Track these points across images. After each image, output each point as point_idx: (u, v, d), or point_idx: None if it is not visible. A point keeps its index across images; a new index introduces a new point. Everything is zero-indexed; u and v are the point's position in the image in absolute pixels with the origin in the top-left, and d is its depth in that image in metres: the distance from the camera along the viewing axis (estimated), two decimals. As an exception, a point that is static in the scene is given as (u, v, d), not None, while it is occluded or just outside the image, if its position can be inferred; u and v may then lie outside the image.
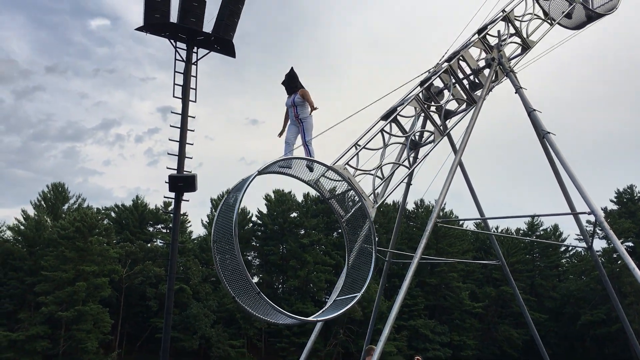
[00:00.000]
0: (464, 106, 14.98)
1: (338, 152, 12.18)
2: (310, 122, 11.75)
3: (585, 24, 18.54)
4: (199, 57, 19.23)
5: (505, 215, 63.74)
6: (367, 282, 11.08)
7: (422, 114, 14.21)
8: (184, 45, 19.42)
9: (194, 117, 18.64)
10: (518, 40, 16.49)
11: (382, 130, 12.99)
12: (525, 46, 16.48)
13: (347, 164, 12.02)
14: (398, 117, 13.46)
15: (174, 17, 18.57)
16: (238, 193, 10.12)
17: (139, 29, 17.97)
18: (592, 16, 18.36)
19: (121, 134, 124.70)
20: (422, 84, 14.89)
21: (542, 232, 67.68)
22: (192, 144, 18.30)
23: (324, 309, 11.59)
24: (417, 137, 14.55)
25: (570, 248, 65.95)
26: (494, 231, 52.61)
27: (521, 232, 67.27)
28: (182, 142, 17.94)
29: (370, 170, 12.37)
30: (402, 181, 13.79)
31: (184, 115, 18.06)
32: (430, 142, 14.14)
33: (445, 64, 15.02)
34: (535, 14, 17.02)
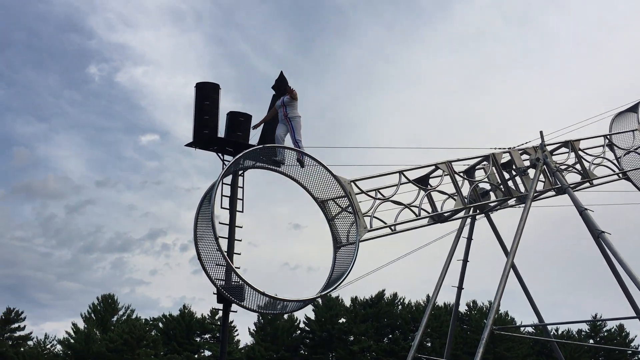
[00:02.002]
0: (512, 201, 14.89)
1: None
2: (298, 121, 12.46)
3: None
4: (245, 169, 19.69)
5: (566, 321, 59.66)
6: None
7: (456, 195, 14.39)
8: (231, 158, 19.97)
9: (241, 227, 18.86)
10: (579, 168, 16.32)
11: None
12: (586, 178, 16.24)
13: (352, 182, 12.60)
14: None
15: (221, 132, 19.31)
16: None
17: (188, 144, 18.70)
18: None
19: (167, 243, 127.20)
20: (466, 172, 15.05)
21: (606, 334, 63.65)
22: (239, 254, 18.38)
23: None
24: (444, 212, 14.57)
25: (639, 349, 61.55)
26: (553, 333, 49.81)
27: (583, 333, 63.40)
28: (230, 252, 18.04)
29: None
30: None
31: (232, 225, 18.24)
32: (452, 215, 14.27)
33: (492, 153, 15.15)
34: (604, 157, 16.82)
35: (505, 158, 15.49)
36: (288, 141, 13.35)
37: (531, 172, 15.32)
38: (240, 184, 19.93)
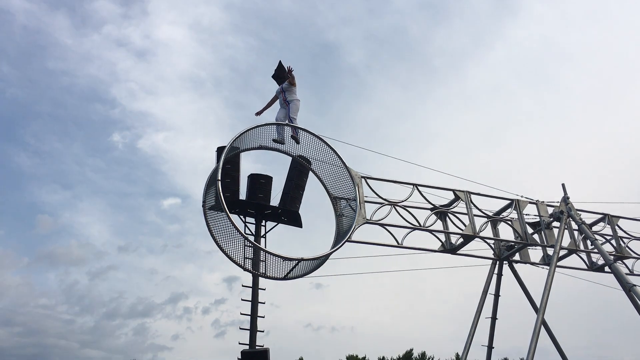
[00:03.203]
0: (539, 259, 14.61)
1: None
2: (296, 104, 13.09)
3: None
4: (267, 230, 19.74)
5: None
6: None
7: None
8: (252, 220, 20.08)
9: (264, 289, 18.74)
10: (614, 243, 16.10)
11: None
12: (619, 254, 16.02)
13: (363, 177, 13.06)
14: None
15: (242, 194, 19.46)
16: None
17: (211, 208, 18.89)
18: None
19: (189, 306, 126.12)
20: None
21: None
22: (263, 317, 18.17)
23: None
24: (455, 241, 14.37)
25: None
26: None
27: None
28: (254, 315, 17.85)
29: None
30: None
31: (255, 288, 18.15)
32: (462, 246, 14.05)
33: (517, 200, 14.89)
34: None
35: (530, 209, 15.27)
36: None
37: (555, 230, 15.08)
38: (262, 246, 19.95)
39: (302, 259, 11.71)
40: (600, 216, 16.06)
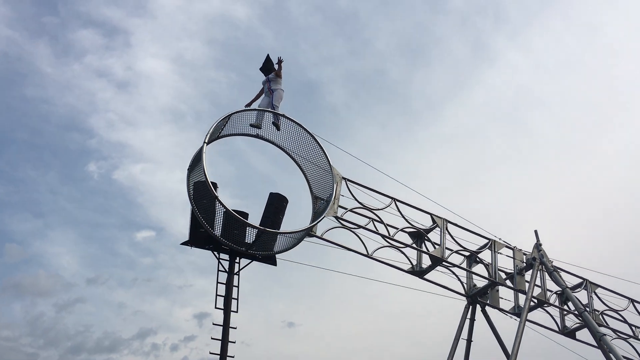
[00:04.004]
0: (509, 308, 14.56)
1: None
2: (280, 93, 13.60)
3: None
4: (241, 267, 19.53)
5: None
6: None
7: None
8: (227, 256, 19.83)
9: (235, 328, 18.39)
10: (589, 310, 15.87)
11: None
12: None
13: (345, 178, 13.32)
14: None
15: (218, 230, 19.24)
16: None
17: (184, 243, 18.58)
18: None
19: (157, 343, 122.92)
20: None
21: None
22: (232, 357, 17.82)
23: None
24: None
25: None
26: None
27: None
28: (223, 354, 17.46)
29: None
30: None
31: (226, 326, 17.78)
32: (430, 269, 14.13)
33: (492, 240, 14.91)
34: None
35: (506, 252, 15.23)
36: None
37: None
38: (235, 283, 19.68)
39: (265, 230, 11.95)
40: (579, 280, 15.93)
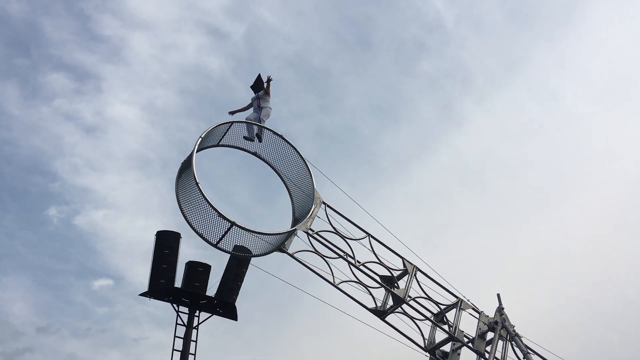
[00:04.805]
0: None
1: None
2: (268, 110, 14.29)
3: None
4: (200, 321, 19.07)
5: None
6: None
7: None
8: (186, 309, 19.35)
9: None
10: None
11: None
12: None
13: (324, 203, 13.54)
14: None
15: (178, 281, 18.86)
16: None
17: (143, 294, 18.17)
18: None
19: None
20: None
21: None
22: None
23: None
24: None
25: None
26: None
27: None
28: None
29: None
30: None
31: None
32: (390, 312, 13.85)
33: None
34: None
35: (470, 312, 15.07)
36: None
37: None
38: (193, 338, 19.11)
39: (234, 224, 11.80)
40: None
